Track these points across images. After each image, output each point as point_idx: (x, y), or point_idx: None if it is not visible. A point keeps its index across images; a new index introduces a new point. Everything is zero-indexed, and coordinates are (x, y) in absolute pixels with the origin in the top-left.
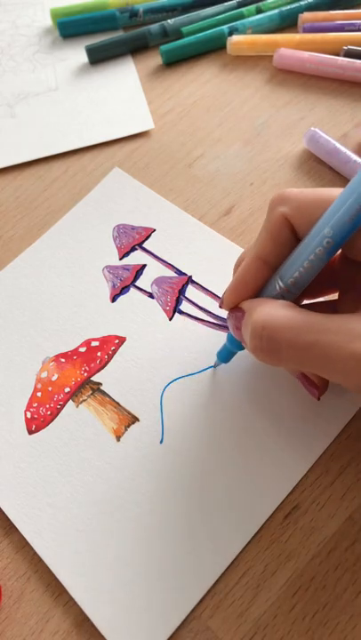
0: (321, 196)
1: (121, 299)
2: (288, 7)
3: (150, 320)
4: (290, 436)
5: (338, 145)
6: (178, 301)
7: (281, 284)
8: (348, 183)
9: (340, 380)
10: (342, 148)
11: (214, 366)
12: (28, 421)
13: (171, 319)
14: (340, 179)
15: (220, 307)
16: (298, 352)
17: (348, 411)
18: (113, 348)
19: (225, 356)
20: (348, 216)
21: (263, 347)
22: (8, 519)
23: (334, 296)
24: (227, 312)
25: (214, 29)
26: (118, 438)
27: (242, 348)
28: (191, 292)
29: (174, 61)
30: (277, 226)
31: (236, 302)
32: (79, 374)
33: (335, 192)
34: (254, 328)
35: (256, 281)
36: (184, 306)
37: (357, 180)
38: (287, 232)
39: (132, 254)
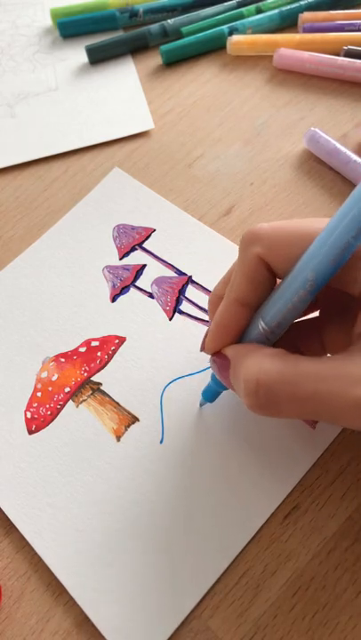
0: (295, 231)
1: (121, 299)
2: (288, 7)
3: (150, 320)
4: (291, 435)
5: (338, 145)
6: (178, 301)
7: (264, 326)
8: (331, 216)
9: (344, 425)
10: (342, 149)
11: (200, 405)
12: (28, 421)
13: (171, 319)
14: (341, 179)
15: (201, 350)
16: (298, 404)
17: None
18: (113, 348)
19: (211, 395)
20: (330, 257)
21: (261, 404)
22: (8, 519)
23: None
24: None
25: (214, 29)
26: (118, 438)
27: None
28: (191, 292)
29: (174, 61)
30: (253, 267)
31: (218, 347)
32: (79, 374)
33: (309, 225)
34: (248, 385)
35: (237, 324)
36: (184, 306)
37: (336, 220)
38: (264, 272)
39: (132, 254)
